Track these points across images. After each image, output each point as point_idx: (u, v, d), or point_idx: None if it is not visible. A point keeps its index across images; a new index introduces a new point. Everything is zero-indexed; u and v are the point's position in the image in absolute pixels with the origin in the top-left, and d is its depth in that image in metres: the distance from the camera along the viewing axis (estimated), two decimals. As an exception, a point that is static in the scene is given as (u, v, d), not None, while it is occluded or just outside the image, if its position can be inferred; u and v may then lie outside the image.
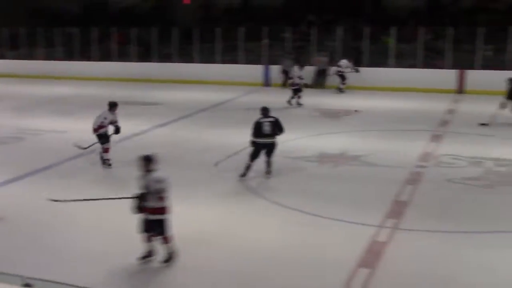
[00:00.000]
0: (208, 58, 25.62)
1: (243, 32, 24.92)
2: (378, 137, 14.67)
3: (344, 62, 21.69)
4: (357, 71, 21.63)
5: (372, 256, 7.52)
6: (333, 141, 14.05)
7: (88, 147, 12.09)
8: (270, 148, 10.91)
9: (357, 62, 22.24)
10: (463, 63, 21.98)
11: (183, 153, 12.93)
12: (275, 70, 23.95)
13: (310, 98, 19.36)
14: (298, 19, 28.01)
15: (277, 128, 10.90)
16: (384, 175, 11.29)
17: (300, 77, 19.05)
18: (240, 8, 32.22)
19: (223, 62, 25.30)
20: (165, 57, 26.31)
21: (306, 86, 18.67)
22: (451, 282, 6.92)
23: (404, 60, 22.93)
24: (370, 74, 22.11)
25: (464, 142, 13.80)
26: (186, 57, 25.92)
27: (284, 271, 7.18)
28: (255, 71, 24.40)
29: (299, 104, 18.89)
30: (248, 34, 25.04)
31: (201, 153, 12.93)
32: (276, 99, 20.18)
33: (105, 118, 11.72)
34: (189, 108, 18.62)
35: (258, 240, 8.13)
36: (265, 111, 11.07)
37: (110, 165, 11.75)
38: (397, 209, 9.28)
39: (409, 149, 13.06)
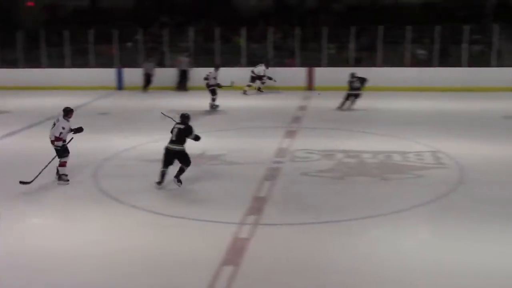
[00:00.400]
0: (57, 62, 24.52)
1: (93, 34, 24.21)
2: (236, 135, 14.98)
3: (261, 67, 21.68)
4: (270, 78, 21.50)
5: (235, 253, 7.67)
6: (192, 141, 14.07)
7: (33, 180, 10.54)
8: (170, 156, 10.36)
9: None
10: (311, 61, 23.03)
11: (35, 161, 12.30)
12: (128, 73, 23.50)
13: (169, 99, 19.23)
14: (150, 21, 27.74)
15: (184, 135, 10.43)
16: (243, 172, 11.56)
17: (215, 78, 18.54)
18: (89, 9, 31.27)
19: (73, 66, 24.30)
20: (9, 63, 24.71)
21: (219, 86, 18.37)
22: (315, 272, 7.20)
23: (255, 60, 23.45)
24: (225, 74, 22.36)
25: (316, 136, 14.49)
26: (33, 62, 24.56)
27: (146, 276, 7.12)
28: (107, 74, 23.71)
29: (214, 106, 18.43)
30: (98, 37, 24.35)
31: (56, 160, 12.40)
32: (130, 102, 19.92)
33: (63, 128, 10.67)
34: (39, 116, 17.69)
35: (118, 245, 8.00)
36: (182, 117, 10.71)
37: (67, 181, 10.75)
38: (257, 205, 9.53)
39: (266, 145, 13.44)
